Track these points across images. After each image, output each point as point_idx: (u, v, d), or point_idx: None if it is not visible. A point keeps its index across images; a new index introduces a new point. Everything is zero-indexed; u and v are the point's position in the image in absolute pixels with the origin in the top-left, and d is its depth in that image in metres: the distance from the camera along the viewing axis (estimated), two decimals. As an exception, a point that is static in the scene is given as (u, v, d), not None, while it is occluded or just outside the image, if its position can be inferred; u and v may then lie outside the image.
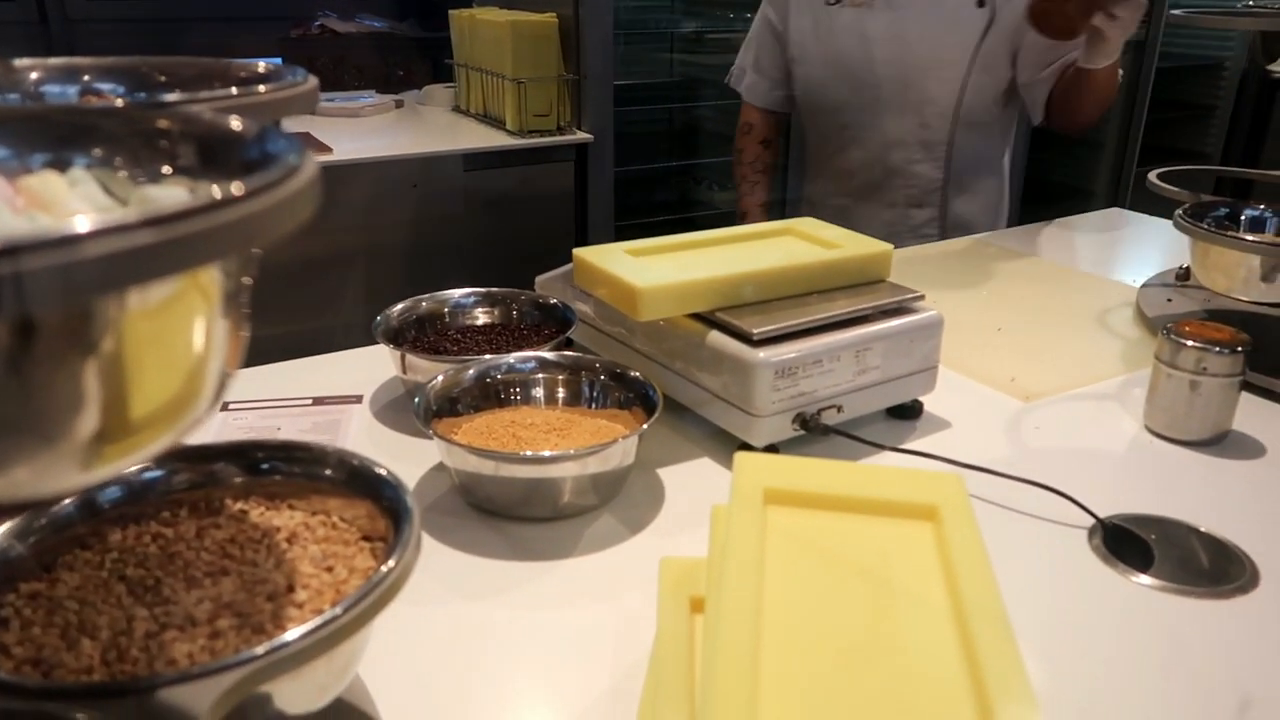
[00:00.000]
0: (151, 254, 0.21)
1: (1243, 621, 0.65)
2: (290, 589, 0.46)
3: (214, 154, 0.34)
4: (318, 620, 0.40)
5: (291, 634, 0.39)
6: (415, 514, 0.49)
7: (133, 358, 0.25)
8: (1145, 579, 0.70)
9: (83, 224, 0.20)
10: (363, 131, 2.23)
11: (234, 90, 0.40)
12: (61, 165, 0.35)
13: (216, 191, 0.23)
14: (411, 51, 2.86)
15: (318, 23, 2.81)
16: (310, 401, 0.92)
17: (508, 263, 1.54)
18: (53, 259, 0.19)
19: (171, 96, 0.42)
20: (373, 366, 0.99)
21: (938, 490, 0.56)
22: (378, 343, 0.90)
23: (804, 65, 1.60)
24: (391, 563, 0.45)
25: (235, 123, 0.32)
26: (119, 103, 0.49)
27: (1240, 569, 0.70)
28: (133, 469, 0.53)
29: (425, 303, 0.99)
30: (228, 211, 0.23)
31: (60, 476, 0.25)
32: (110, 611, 0.45)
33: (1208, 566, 0.71)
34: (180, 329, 0.27)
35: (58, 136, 0.35)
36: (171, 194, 0.33)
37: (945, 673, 0.44)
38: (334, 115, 2.30)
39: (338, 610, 0.41)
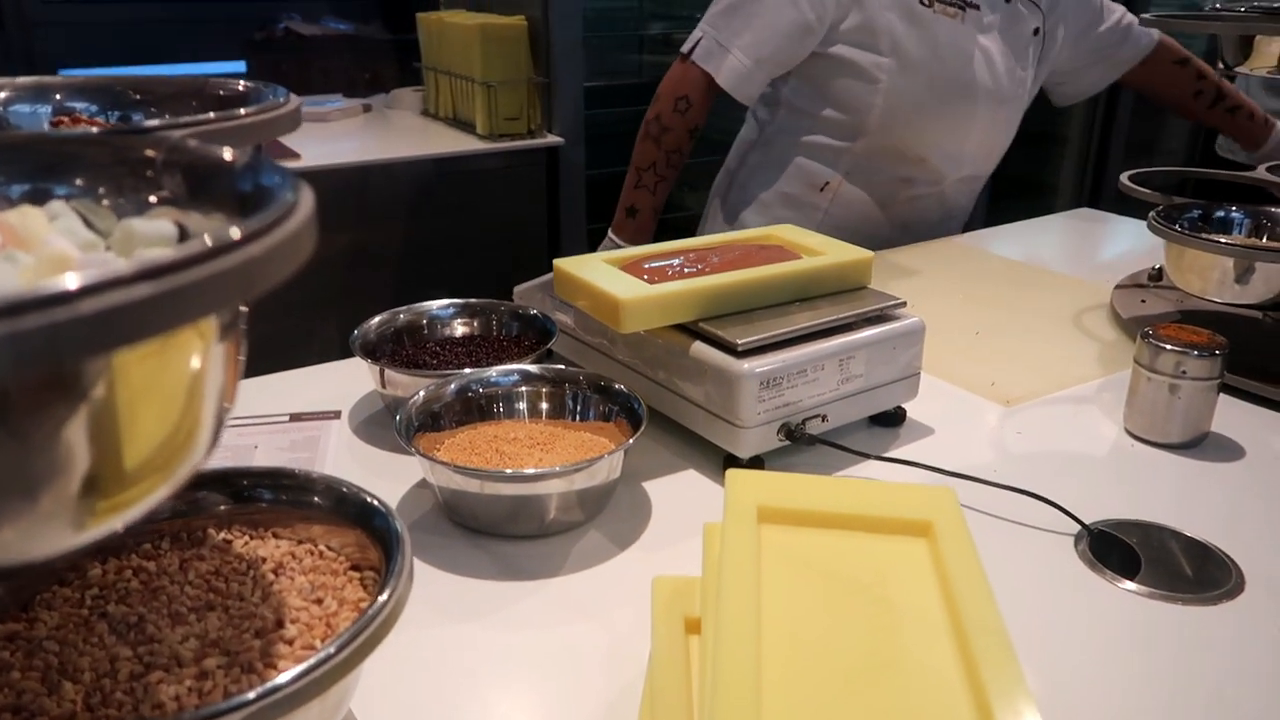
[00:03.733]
0: (148, 309, 0.20)
1: (1230, 628, 0.66)
2: (279, 624, 0.45)
3: (202, 184, 0.33)
4: (311, 660, 0.39)
5: (284, 676, 0.38)
6: (406, 542, 0.48)
7: (125, 407, 0.24)
8: (1132, 586, 0.70)
9: (73, 280, 0.19)
10: (331, 136, 2.21)
11: (213, 114, 0.39)
12: (42, 195, 0.34)
13: (208, 238, 0.22)
14: (378, 54, 2.83)
15: (282, 25, 2.77)
16: (288, 418, 0.90)
17: (481, 268, 1.51)
18: (41, 320, 0.18)
19: (151, 121, 0.41)
20: (350, 380, 0.98)
21: (931, 505, 0.56)
22: (354, 355, 0.89)
23: (900, 70, 1.38)
24: (385, 595, 0.44)
25: (226, 153, 0.31)
26: (94, 125, 0.47)
27: (1226, 574, 0.71)
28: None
29: (403, 315, 0.97)
30: (227, 258, 0.22)
31: (50, 539, 0.23)
32: (92, 652, 0.43)
33: (1193, 572, 0.72)
34: (174, 369, 0.26)
35: (39, 166, 0.34)
36: (157, 227, 0.32)
37: (948, 691, 0.44)
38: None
39: (331, 649, 0.40)
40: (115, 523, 0.26)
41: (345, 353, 0.91)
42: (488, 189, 2.14)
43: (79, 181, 0.34)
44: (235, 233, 0.23)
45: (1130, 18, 1.60)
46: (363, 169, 2.01)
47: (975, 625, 0.46)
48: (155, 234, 0.32)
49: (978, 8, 1.39)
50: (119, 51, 2.70)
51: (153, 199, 0.34)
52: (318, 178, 1.94)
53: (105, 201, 0.35)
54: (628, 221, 1.46)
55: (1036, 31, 1.47)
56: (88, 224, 0.33)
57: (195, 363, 0.27)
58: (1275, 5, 1.16)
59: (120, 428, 0.24)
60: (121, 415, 0.23)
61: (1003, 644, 0.45)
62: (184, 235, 0.33)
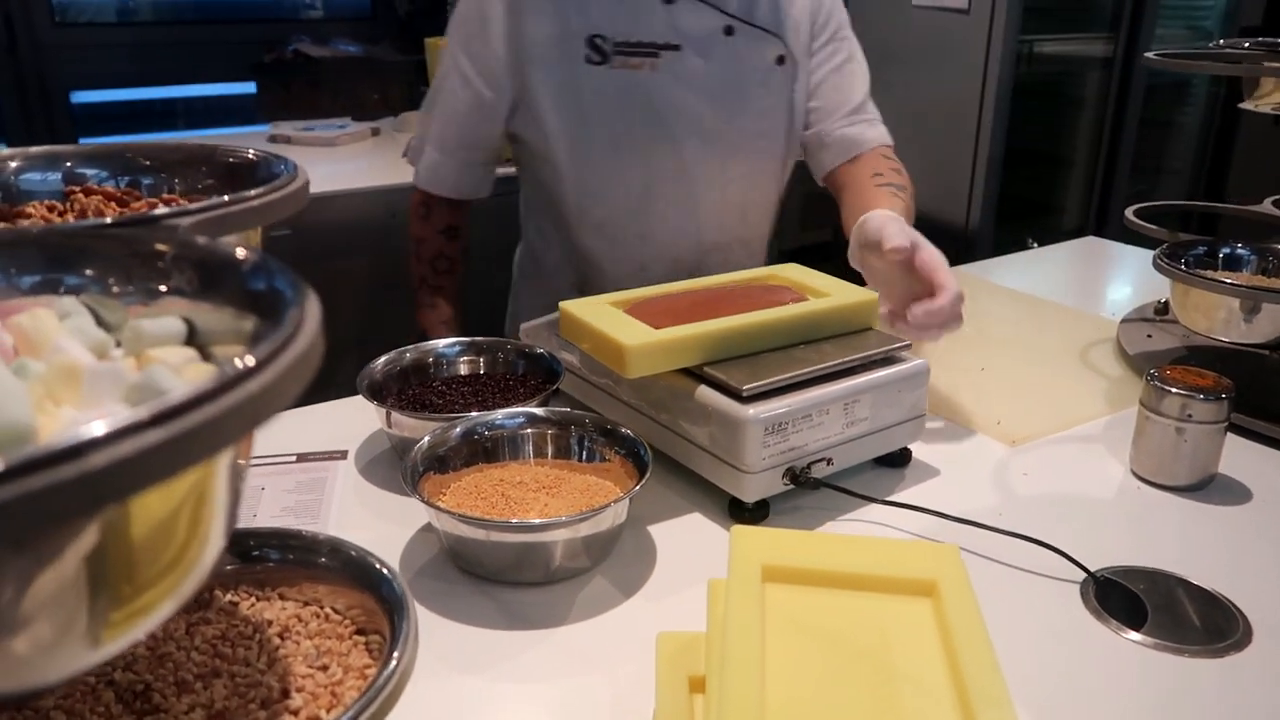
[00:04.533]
0: (162, 453, 0.20)
1: (1238, 680, 0.65)
2: (284, 693, 0.45)
3: (212, 279, 0.33)
4: (317, 738, 0.39)
5: (290, 755, 0.38)
6: (412, 609, 0.48)
7: (138, 534, 0.24)
8: (1138, 636, 0.70)
9: (85, 431, 0.20)
10: (338, 159, 2.22)
11: (225, 198, 0.39)
12: (53, 285, 0.34)
13: (220, 373, 0.22)
14: (387, 76, 2.84)
15: (291, 47, 2.78)
16: (294, 458, 0.91)
17: (489, 294, 1.52)
18: (54, 477, 0.18)
19: (163, 193, 0.41)
20: (357, 419, 0.98)
21: (936, 564, 0.56)
22: (360, 394, 0.89)
23: (575, 162, 1.19)
24: (391, 666, 0.44)
25: (237, 251, 0.32)
26: (105, 193, 0.48)
27: (1233, 625, 0.71)
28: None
29: (409, 354, 0.98)
30: (241, 389, 0.22)
31: (67, 661, 0.24)
32: (99, 722, 0.44)
33: (1199, 622, 0.71)
34: (186, 490, 0.27)
35: (51, 258, 0.35)
36: (165, 326, 0.32)
37: (951, 764, 0.44)
38: (309, 144, 2.29)
39: (337, 725, 0.40)
40: (133, 634, 0.26)
41: (353, 389, 0.92)
42: (497, 214, 2.14)
43: (89, 272, 0.35)
44: (249, 361, 0.23)
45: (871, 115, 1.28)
46: (370, 193, 2.02)
47: (980, 696, 0.46)
48: (164, 333, 0.32)
49: (678, 48, 1.15)
50: (129, 74, 2.73)
51: (163, 288, 0.34)
52: (323, 203, 1.95)
53: (115, 289, 0.35)
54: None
55: (781, 60, 1.22)
56: (97, 318, 0.33)
57: (207, 481, 0.27)
58: (1277, 44, 1.16)
59: (133, 549, 0.24)
60: (134, 539, 0.24)
61: (1007, 717, 0.45)
62: (192, 330, 0.33)
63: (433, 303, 1.31)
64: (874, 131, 1.26)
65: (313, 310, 0.27)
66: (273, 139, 2.35)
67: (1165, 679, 0.66)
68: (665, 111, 1.17)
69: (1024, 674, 0.64)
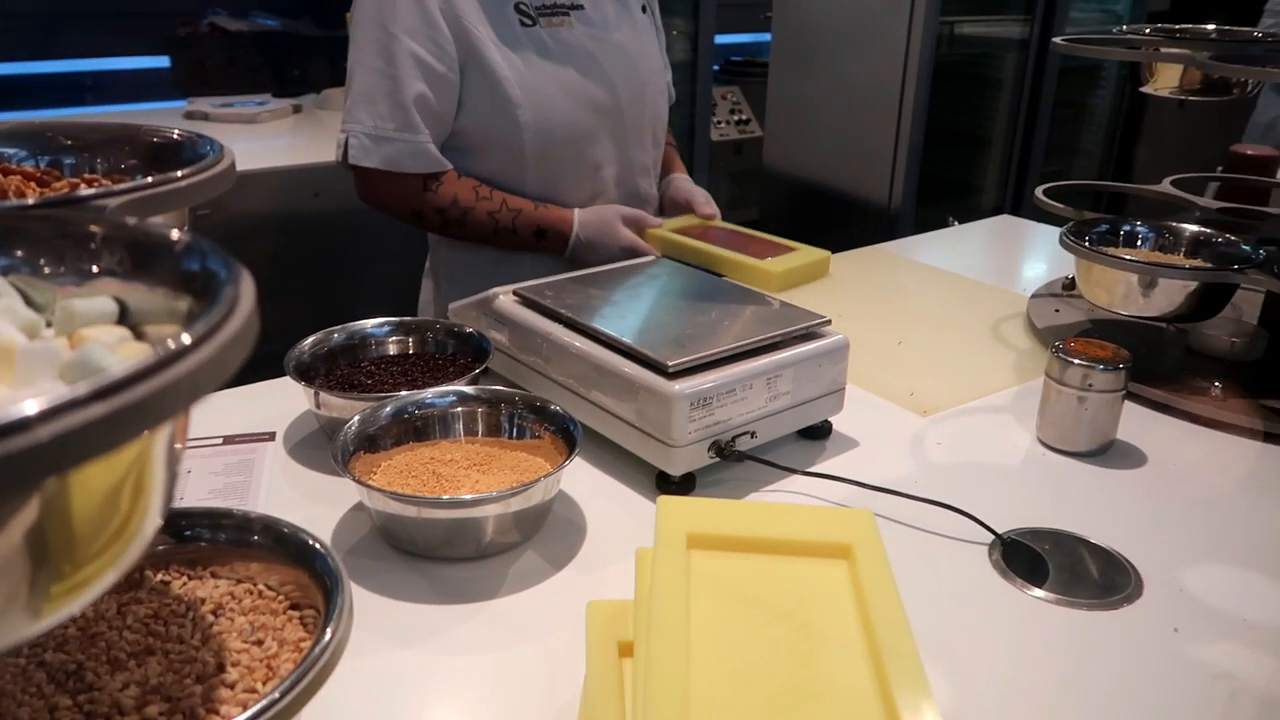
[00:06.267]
0: (103, 427, 0.21)
1: (1131, 630, 0.70)
2: (220, 668, 0.46)
3: (145, 260, 0.33)
4: (255, 708, 0.40)
5: (228, 724, 0.39)
6: (346, 582, 0.49)
7: (79, 506, 0.25)
8: (1040, 593, 0.74)
9: (30, 406, 0.20)
10: (260, 136, 2.17)
11: (150, 179, 0.39)
12: (-21, 267, 0.35)
13: (158, 349, 0.23)
14: (308, 51, 2.78)
15: (207, 20, 2.71)
16: (220, 440, 0.90)
17: (413, 273, 1.51)
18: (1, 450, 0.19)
19: (84, 187, 0.42)
20: (284, 399, 0.98)
21: (851, 529, 0.59)
22: (287, 374, 0.89)
23: (532, 104, 1.26)
24: (327, 635, 0.45)
25: (170, 233, 0.32)
26: (24, 173, 0.47)
27: (1126, 579, 0.76)
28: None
29: (337, 334, 0.98)
30: (179, 366, 0.23)
31: (7, 631, 0.24)
32: (31, 702, 0.44)
33: (1097, 577, 0.76)
34: (126, 463, 0.27)
35: (-25, 239, 0.35)
36: (97, 306, 0.33)
37: (863, 714, 0.47)
38: (229, 121, 2.24)
39: (275, 694, 0.41)
40: (73, 607, 0.27)
41: (278, 370, 0.91)
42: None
43: (19, 253, 0.35)
44: (186, 339, 0.24)
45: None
46: (294, 171, 1.98)
47: (890, 651, 0.49)
48: (96, 313, 0.32)
49: (581, 7, 1.31)
50: (33, 46, 2.62)
51: (95, 269, 0.35)
52: (246, 181, 1.91)
53: (46, 270, 0.35)
54: (547, 237, 1.32)
55: (644, 9, 1.43)
56: (27, 299, 0.34)
57: (146, 451, 0.28)
58: (1175, 30, 1.22)
59: (74, 523, 0.25)
60: (76, 513, 0.24)
61: (914, 668, 0.48)
62: (124, 310, 0.34)
63: (510, 217, 1.28)
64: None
65: (248, 287, 0.28)
66: (189, 115, 2.29)
67: (1065, 631, 0.70)
68: (596, 53, 1.32)
69: (934, 630, 0.68)
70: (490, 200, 1.28)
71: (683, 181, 1.52)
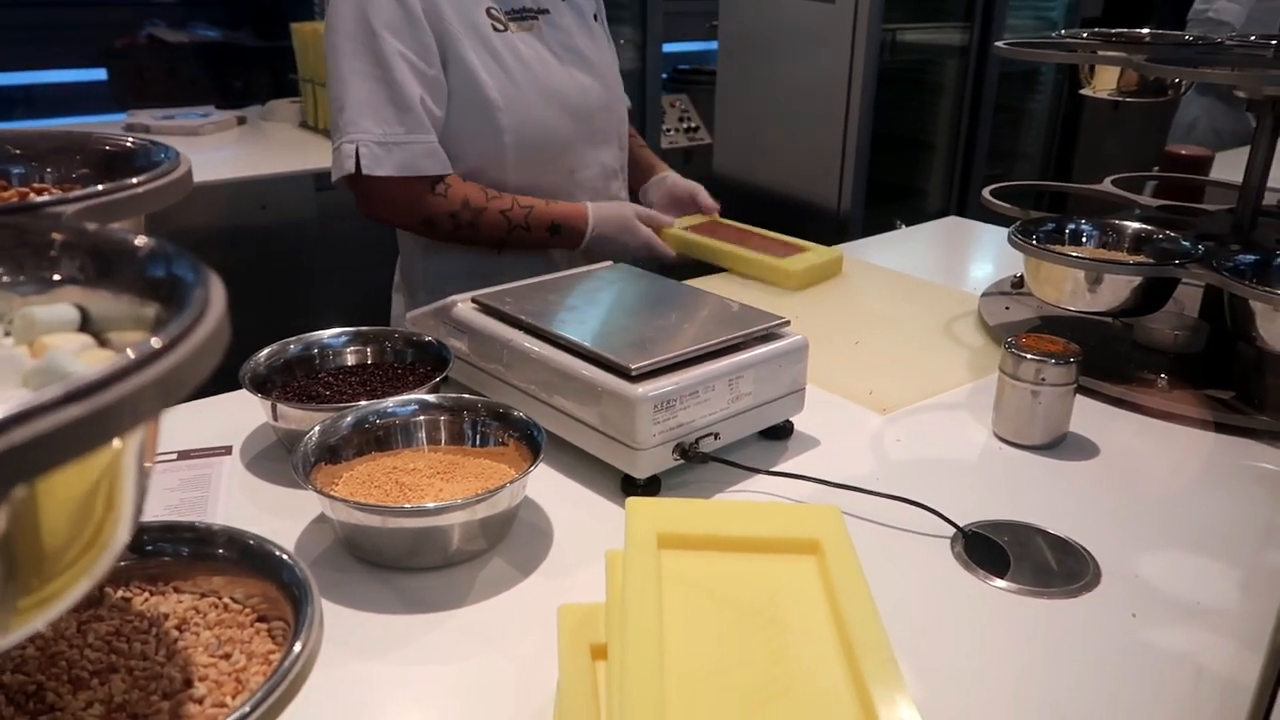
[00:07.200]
0: (76, 431, 0.20)
1: (1090, 616, 0.72)
2: (187, 683, 0.45)
3: (109, 266, 0.33)
4: (226, 722, 0.39)
5: (200, 740, 0.38)
6: (315, 592, 0.49)
7: (46, 514, 0.24)
8: (1002, 584, 0.75)
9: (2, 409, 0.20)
10: (203, 149, 2.14)
11: (102, 186, 0.39)
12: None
13: (131, 352, 0.23)
14: (249, 62, 2.75)
15: (145, 31, 2.66)
16: (175, 456, 0.88)
17: (365, 285, 1.49)
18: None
19: (34, 196, 0.41)
20: (240, 413, 0.96)
21: (818, 524, 0.60)
22: (243, 387, 0.87)
23: (511, 108, 1.26)
24: (298, 647, 0.44)
25: (135, 239, 0.32)
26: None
27: (1084, 567, 0.77)
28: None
29: (294, 345, 0.96)
30: (151, 369, 0.23)
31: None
32: (-10, 726, 0.43)
33: (1056, 567, 0.78)
34: (95, 471, 0.27)
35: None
36: (58, 313, 0.32)
37: (839, 709, 0.47)
38: (170, 134, 2.19)
39: (245, 708, 0.40)
40: (39, 622, 0.26)
41: (233, 384, 0.89)
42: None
43: (-26, 261, 0.34)
44: (156, 343, 0.24)
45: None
46: (240, 184, 1.95)
47: (862, 644, 0.50)
48: (57, 320, 0.32)
49: (547, 11, 1.33)
50: (-32, 60, 2.55)
51: (56, 277, 0.34)
52: (193, 195, 1.88)
53: (5, 279, 0.34)
54: (561, 233, 1.32)
55: (596, 17, 1.43)
56: (-16, 308, 0.33)
57: (116, 460, 0.27)
58: (1111, 33, 1.26)
59: (43, 535, 0.24)
60: (44, 523, 0.24)
61: (887, 661, 0.49)
62: (86, 318, 0.33)
63: (524, 216, 1.27)
64: None
65: (218, 290, 0.27)
66: (129, 128, 2.24)
67: (1027, 619, 0.71)
68: (563, 56, 1.34)
69: (901, 622, 0.68)
70: (500, 199, 1.28)
71: (677, 177, 1.54)
